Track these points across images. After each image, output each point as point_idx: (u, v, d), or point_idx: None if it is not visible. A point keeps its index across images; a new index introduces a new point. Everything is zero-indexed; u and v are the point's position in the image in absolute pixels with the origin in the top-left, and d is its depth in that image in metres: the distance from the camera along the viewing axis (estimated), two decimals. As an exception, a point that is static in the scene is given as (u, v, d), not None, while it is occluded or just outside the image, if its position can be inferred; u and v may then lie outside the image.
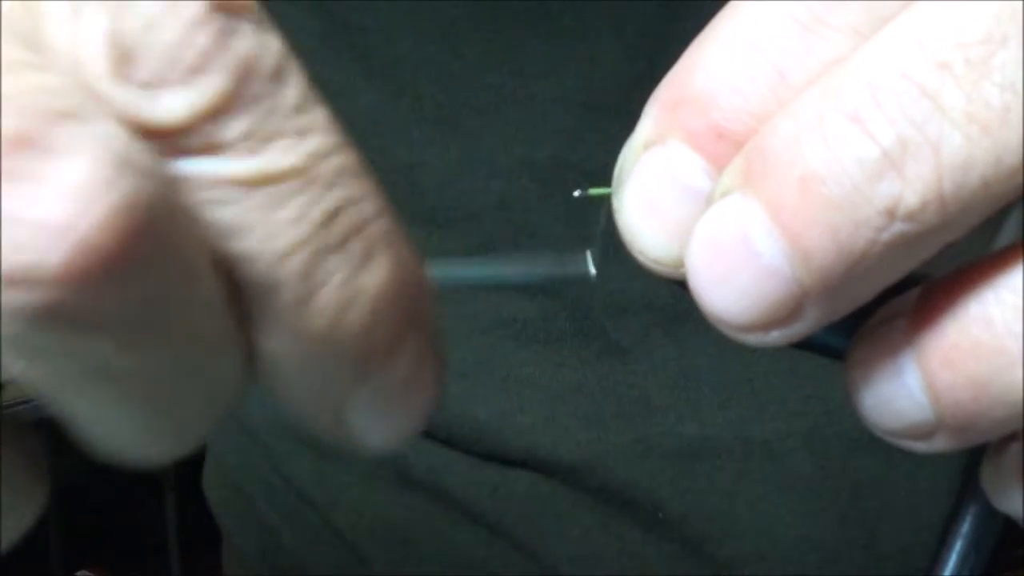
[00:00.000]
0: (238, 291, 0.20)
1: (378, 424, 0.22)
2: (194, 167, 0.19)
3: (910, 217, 0.20)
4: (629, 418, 0.50)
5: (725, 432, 0.50)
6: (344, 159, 0.20)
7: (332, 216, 0.20)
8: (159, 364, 0.19)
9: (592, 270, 0.25)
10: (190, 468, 0.62)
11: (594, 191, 0.25)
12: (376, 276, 0.21)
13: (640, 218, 0.23)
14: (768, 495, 0.50)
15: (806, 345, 0.23)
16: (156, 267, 0.18)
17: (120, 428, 0.21)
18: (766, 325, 0.22)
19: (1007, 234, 0.22)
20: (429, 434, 0.52)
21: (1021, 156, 0.20)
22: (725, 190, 0.22)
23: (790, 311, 0.21)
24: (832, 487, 0.51)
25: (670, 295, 0.50)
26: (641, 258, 0.23)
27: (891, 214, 0.20)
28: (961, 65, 0.20)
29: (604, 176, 0.24)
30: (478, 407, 0.51)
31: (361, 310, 0.21)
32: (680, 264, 0.23)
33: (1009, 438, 0.23)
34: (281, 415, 0.56)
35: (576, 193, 0.25)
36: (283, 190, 0.20)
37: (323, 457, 0.55)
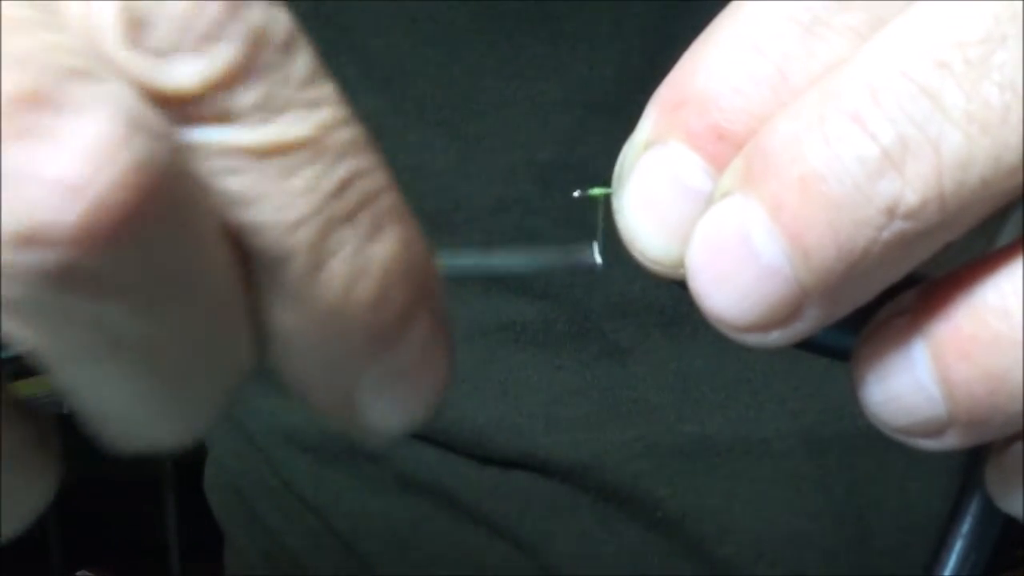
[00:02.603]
0: (248, 263, 0.20)
1: (388, 406, 0.22)
2: (205, 135, 0.19)
3: (910, 215, 0.20)
4: (628, 418, 0.50)
5: (724, 432, 0.50)
6: (353, 131, 0.21)
7: (342, 187, 0.20)
8: (169, 333, 0.19)
9: (598, 260, 0.25)
10: (190, 469, 0.63)
11: (594, 191, 0.25)
12: (386, 248, 0.21)
13: (640, 218, 0.23)
14: (767, 494, 0.50)
15: (807, 345, 0.23)
16: (168, 230, 0.18)
17: (128, 406, 0.21)
18: (766, 325, 0.22)
19: (1007, 235, 0.22)
20: (428, 437, 0.52)
21: (1021, 155, 0.20)
22: (725, 190, 0.22)
23: (790, 311, 0.21)
24: (830, 487, 0.51)
25: (669, 296, 0.50)
26: (641, 259, 0.23)
27: (891, 213, 0.20)
28: (961, 64, 0.20)
29: (604, 178, 0.24)
30: (477, 410, 0.51)
31: (371, 282, 0.21)
32: (680, 265, 0.23)
33: (1013, 438, 0.23)
34: (282, 419, 0.56)
35: (576, 193, 0.25)
36: (294, 160, 0.20)
37: (322, 460, 0.55)
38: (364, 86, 0.50)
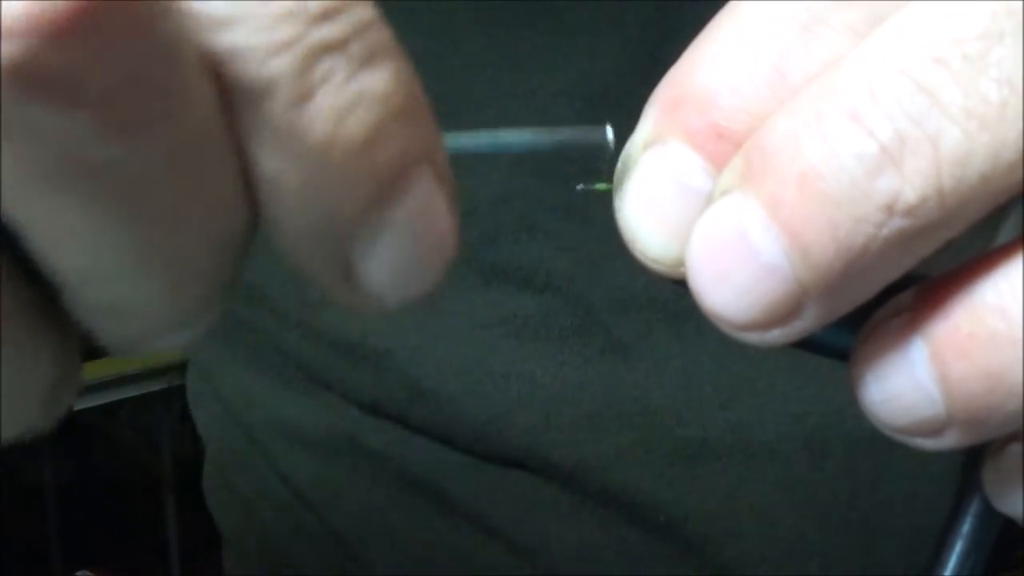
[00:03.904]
0: (230, 98, 0.19)
1: (389, 269, 0.21)
2: None
3: (909, 212, 0.20)
4: (629, 419, 0.50)
5: (726, 434, 0.50)
6: None
7: (330, 12, 0.19)
8: (143, 161, 0.18)
9: (610, 137, 0.24)
10: (190, 469, 0.63)
11: (596, 186, 0.25)
12: (378, 81, 0.20)
13: (640, 217, 0.23)
14: (769, 497, 0.50)
15: (807, 345, 0.23)
16: (132, 34, 0.17)
17: (113, 262, 0.19)
18: (766, 324, 0.22)
19: (1006, 234, 0.22)
20: (428, 432, 0.52)
21: (1019, 151, 0.20)
22: (724, 189, 0.22)
23: (790, 309, 0.21)
24: (833, 489, 0.51)
25: (672, 292, 0.50)
26: (641, 257, 0.23)
27: (890, 209, 0.20)
28: (958, 61, 0.20)
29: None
30: (478, 405, 0.51)
31: (363, 116, 0.19)
32: (680, 263, 0.23)
33: (1010, 439, 0.23)
34: (280, 415, 0.56)
35: (579, 187, 0.25)
36: None
37: (321, 457, 0.55)
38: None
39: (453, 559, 0.53)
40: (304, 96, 0.19)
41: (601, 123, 0.24)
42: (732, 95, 0.22)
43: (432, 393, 0.51)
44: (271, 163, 0.19)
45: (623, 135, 0.24)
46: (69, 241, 0.19)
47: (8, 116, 0.17)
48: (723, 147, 0.22)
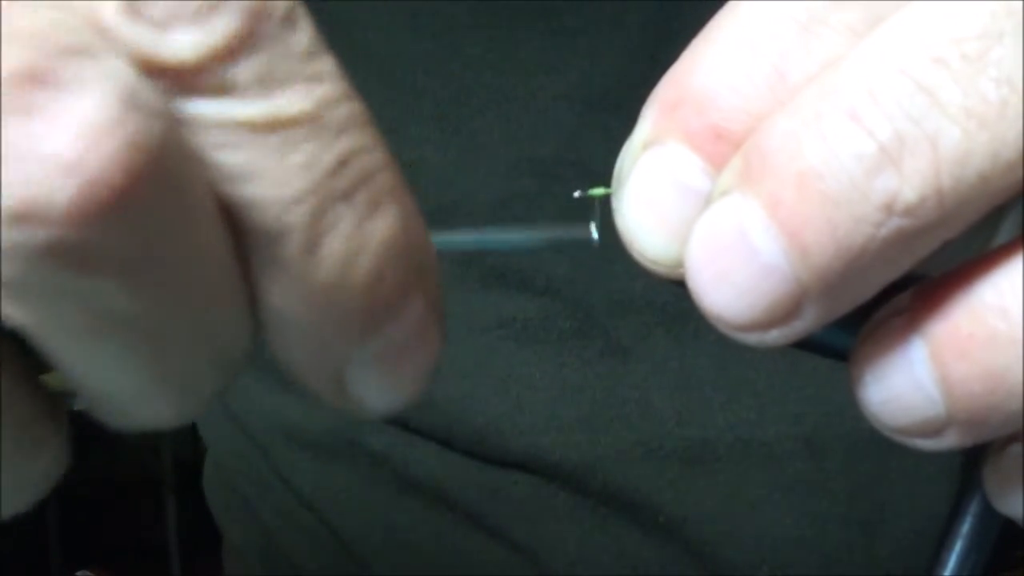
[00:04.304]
0: (244, 239, 0.20)
1: (378, 385, 0.22)
2: (204, 109, 0.19)
3: (908, 212, 0.20)
4: (629, 421, 0.50)
5: (726, 434, 0.50)
6: (353, 107, 0.20)
7: (341, 164, 0.20)
8: (164, 310, 0.19)
9: (595, 236, 0.25)
10: (190, 469, 0.63)
11: (594, 191, 0.25)
12: (383, 227, 0.21)
13: (639, 218, 0.23)
14: (768, 498, 0.50)
15: (807, 345, 0.23)
16: (162, 207, 0.18)
17: (125, 384, 0.20)
18: (766, 324, 0.22)
19: (1005, 234, 0.22)
20: (428, 435, 0.52)
21: (1019, 150, 0.20)
22: (724, 189, 0.22)
23: (789, 309, 0.21)
24: (832, 490, 0.51)
25: (671, 294, 0.50)
26: (640, 258, 0.23)
27: (889, 209, 0.20)
28: (958, 60, 0.20)
29: (605, 174, 0.24)
30: (478, 408, 0.51)
31: (367, 261, 0.20)
32: (679, 264, 0.23)
33: (1010, 440, 0.23)
34: (281, 417, 0.56)
35: (576, 194, 0.25)
36: (294, 135, 0.19)
37: (322, 459, 0.55)
38: (364, 81, 0.50)
39: (453, 559, 0.53)
40: (314, 244, 0.20)
41: (598, 134, 0.24)
42: (731, 95, 0.22)
43: (431, 395, 0.51)
44: (277, 297, 0.20)
45: (623, 138, 0.24)
46: (89, 372, 0.20)
47: (41, 284, 0.18)
48: (722, 147, 0.22)
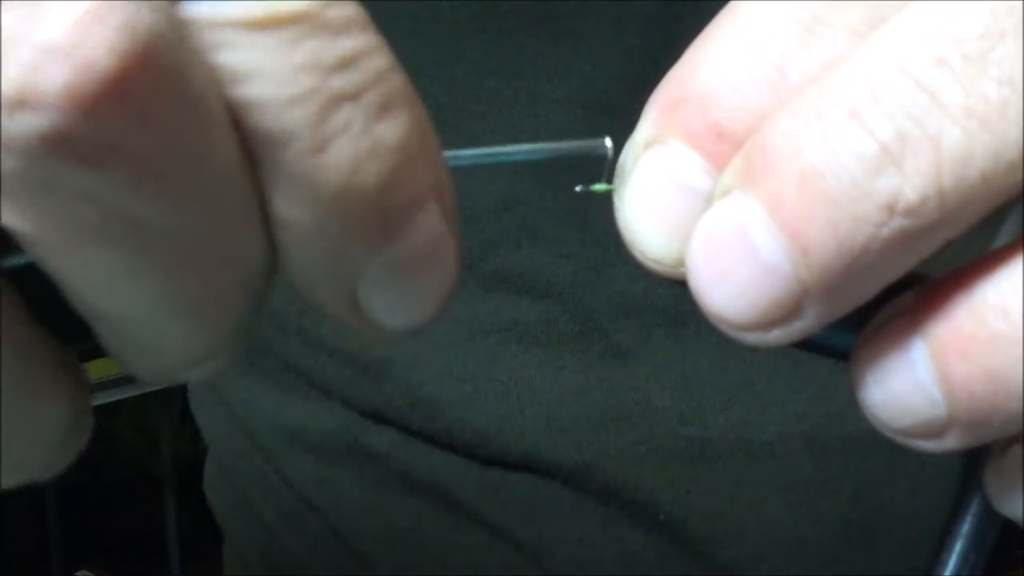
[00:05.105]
0: (250, 146, 0.20)
1: (394, 302, 0.22)
2: (201, 8, 0.19)
3: (909, 212, 0.20)
4: (630, 420, 0.50)
5: (727, 434, 0.50)
6: (354, 9, 0.20)
7: (345, 63, 0.20)
8: (172, 214, 0.19)
9: (609, 145, 0.24)
10: (190, 469, 0.63)
11: (596, 188, 0.25)
12: (394, 130, 0.20)
13: (641, 217, 0.23)
14: (769, 497, 0.50)
15: (808, 345, 0.23)
16: (163, 99, 0.18)
17: (140, 307, 0.20)
18: (766, 324, 0.22)
19: (1005, 234, 0.22)
20: (430, 438, 0.52)
21: (1020, 150, 0.20)
22: (725, 189, 0.22)
23: (790, 309, 0.21)
24: (833, 489, 0.51)
25: (671, 297, 0.50)
26: (641, 258, 0.23)
27: (890, 209, 0.20)
28: (959, 60, 0.20)
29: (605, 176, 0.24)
30: (479, 411, 0.51)
31: (378, 165, 0.20)
32: (680, 264, 0.23)
33: (1011, 440, 0.23)
34: (284, 418, 0.56)
35: (578, 188, 0.25)
36: (292, 33, 0.19)
37: (324, 460, 0.55)
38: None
39: (455, 559, 0.53)
40: (320, 146, 0.20)
41: (601, 134, 0.24)
42: (733, 95, 0.22)
43: (433, 400, 0.51)
44: (286, 207, 0.20)
45: (624, 142, 0.24)
46: (103, 288, 0.20)
47: (44, 180, 0.17)
48: (723, 147, 0.22)
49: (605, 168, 0.24)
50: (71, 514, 2.00)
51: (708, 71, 0.22)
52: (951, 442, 0.22)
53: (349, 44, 0.20)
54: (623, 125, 0.25)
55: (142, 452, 2.05)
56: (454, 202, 0.22)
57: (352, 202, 0.20)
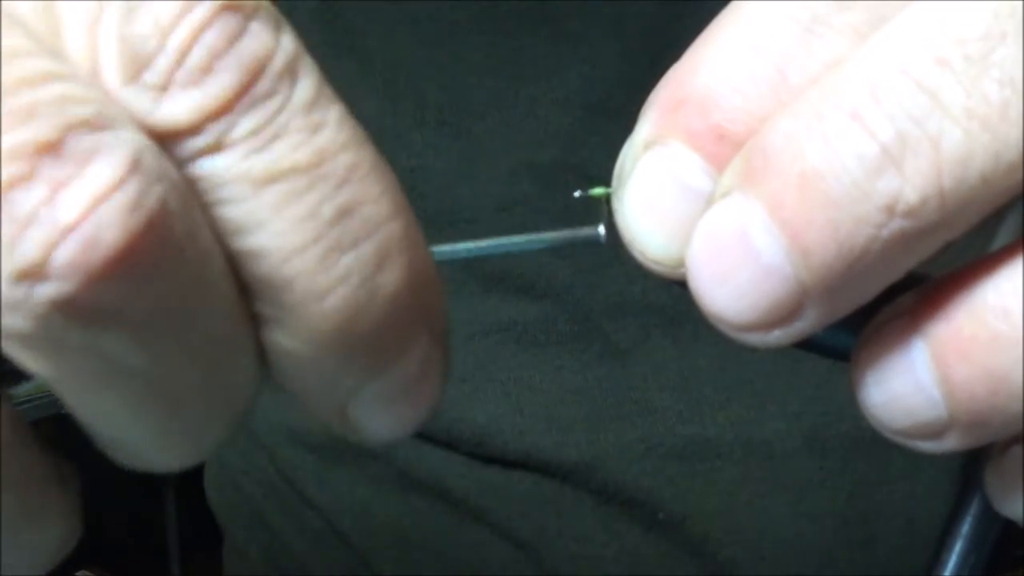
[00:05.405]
0: (251, 291, 0.20)
1: (382, 419, 0.23)
2: (205, 166, 0.20)
3: (910, 213, 0.20)
4: (629, 419, 0.50)
5: (725, 433, 0.50)
6: (357, 156, 0.21)
7: (344, 214, 0.20)
8: (172, 362, 0.20)
9: (602, 232, 0.25)
10: (190, 468, 0.63)
11: (595, 191, 0.25)
12: (392, 278, 0.21)
13: (641, 218, 0.23)
14: (768, 496, 0.50)
15: (808, 345, 0.23)
16: (168, 264, 0.19)
17: (135, 431, 0.21)
18: (767, 324, 0.22)
19: (1004, 235, 0.22)
20: (430, 437, 0.52)
21: (1020, 151, 0.20)
22: (725, 189, 0.22)
23: (791, 310, 0.21)
24: (832, 488, 0.51)
25: (669, 297, 0.50)
26: (642, 258, 0.23)
27: (891, 210, 0.20)
28: (960, 61, 0.20)
29: (605, 179, 0.24)
30: (479, 410, 0.51)
31: (375, 310, 0.21)
32: (680, 264, 0.23)
33: (1012, 441, 0.23)
34: (285, 417, 0.56)
35: (577, 193, 0.25)
36: (293, 187, 0.20)
37: (326, 459, 0.55)
38: (365, 87, 0.50)
39: (456, 557, 0.53)
40: (319, 295, 0.20)
41: (600, 136, 0.24)
42: (733, 96, 0.22)
43: None
44: (283, 344, 0.21)
45: (623, 143, 0.24)
46: (106, 420, 0.21)
47: (54, 338, 0.19)
48: (724, 148, 0.22)
49: (602, 247, 0.25)
50: (71, 514, 2.00)
51: (708, 72, 0.22)
52: (951, 443, 0.22)
53: (351, 194, 0.20)
54: (622, 126, 0.25)
55: (142, 452, 2.04)
56: (446, 325, 0.23)
57: (348, 342, 0.21)
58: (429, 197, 0.50)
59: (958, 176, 0.20)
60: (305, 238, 0.20)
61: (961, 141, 0.20)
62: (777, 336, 0.22)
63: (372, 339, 0.21)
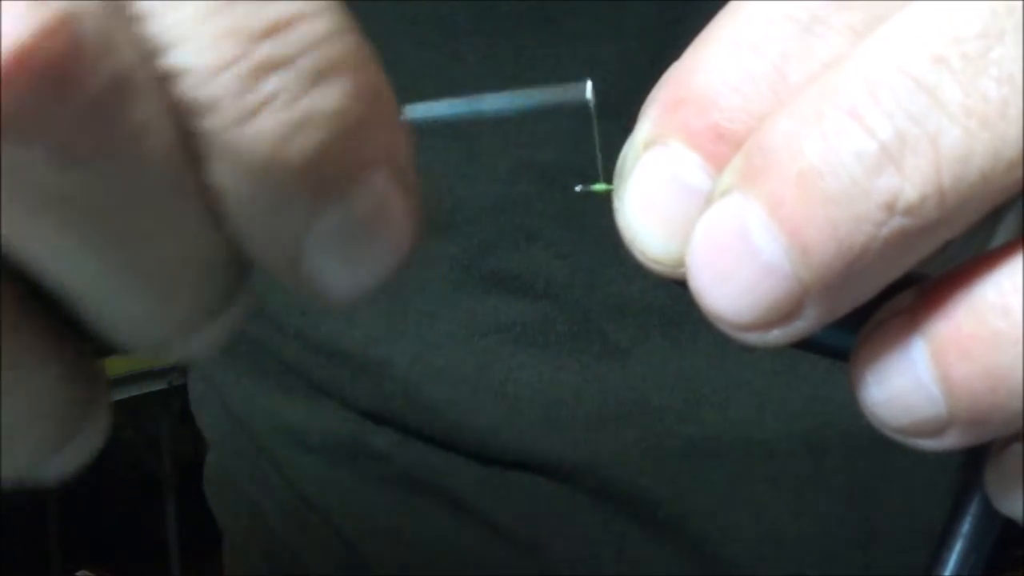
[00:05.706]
0: (182, 117, 0.19)
1: (337, 267, 0.21)
2: None
3: (909, 211, 0.20)
4: (629, 419, 0.50)
5: (725, 433, 0.50)
6: None
7: (274, 30, 0.19)
8: (111, 190, 0.19)
9: (590, 95, 0.24)
10: (190, 469, 0.63)
11: (595, 187, 0.25)
12: (330, 99, 0.20)
13: (640, 218, 0.23)
14: (767, 496, 0.50)
15: (808, 345, 0.23)
16: (84, 70, 0.18)
17: (103, 286, 0.20)
18: (767, 324, 0.22)
19: (1004, 233, 0.22)
20: (430, 438, 0.52)
21: (1019, 149, 0.20)
22: (725, 188, 0.22)
23: (790, 309, 0.21)
24: (832, 488, 0.51)
25: (668, 297, 0.50)
26: (641, 258, 0.23)
27: (890, 208, 0.20)
28: (958, 60, 0.20)
29: (604, 179, 0.24)
30: (478, 412, 0.51)
31: (311, 137, 0.19)
32: (680, 264, 0.23)
33: (1012, 439, 0.23)
34: (285, 418, 0.56)
35: (578, 188, 0.25)
36: (216, 1, 0.19)
37: (326, 460, 0.55)
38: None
39: (456, 557, 0.53)
40: (247, 116, 0.19)
41: (599, 131, 0.24)
42: (733, 95, 0.22)
43: (431, 400, 0.51)
44: (218, 177, 0.20)
45: (623, 143, 0.24)
46: (56, 261, 0.20)
47: None
48: (723, 147, 0.22)
49: (588, 114, 0.24)
50: (71, 514, 2.01)
51: (708, 71, 0.22)
52: (951, 441, 0.22)
53: (283, 8, 0.19)
54: (621, 127, 0.25)
55: (142, 452, 2.05)
56: (411, 163, 0.22)
57: (284, 171, 0.19)
58: (428, 196, 0.50)
59: (957, 174, 0.20)
60: (227, 55, 0.19)
61: (960, 139, 0.20)
62: (777, 335, 0.22)
63: (311, 168, 0.20)
